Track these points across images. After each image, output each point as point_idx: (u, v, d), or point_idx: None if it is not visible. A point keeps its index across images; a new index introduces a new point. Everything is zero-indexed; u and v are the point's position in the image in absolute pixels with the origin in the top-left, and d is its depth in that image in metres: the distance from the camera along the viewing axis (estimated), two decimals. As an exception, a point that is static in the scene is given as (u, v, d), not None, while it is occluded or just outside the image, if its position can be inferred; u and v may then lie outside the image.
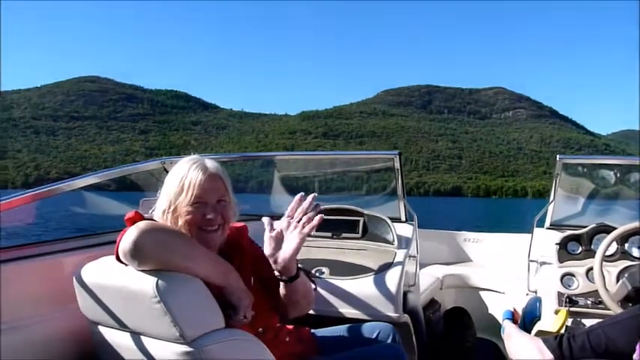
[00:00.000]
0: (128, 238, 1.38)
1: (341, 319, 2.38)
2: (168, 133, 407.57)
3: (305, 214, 1.78)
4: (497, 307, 3.32)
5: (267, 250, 1.71)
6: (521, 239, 3.46)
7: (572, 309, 2.37)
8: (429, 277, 3.33)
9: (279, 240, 1.73)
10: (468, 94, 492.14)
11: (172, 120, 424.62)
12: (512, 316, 2.60)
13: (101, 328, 1.62)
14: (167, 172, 2.67)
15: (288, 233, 1.75)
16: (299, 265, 1.76)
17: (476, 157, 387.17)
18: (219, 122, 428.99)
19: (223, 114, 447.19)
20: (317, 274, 2.57)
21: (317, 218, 1.74)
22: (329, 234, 2.92)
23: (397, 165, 2.85)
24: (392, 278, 2.47)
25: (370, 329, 2.04)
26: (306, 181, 3.93)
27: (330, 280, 2.53)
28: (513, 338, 1.96)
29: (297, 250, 1.71)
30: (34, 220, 2.09)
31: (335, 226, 2.93)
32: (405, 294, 2.48)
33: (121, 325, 1.54)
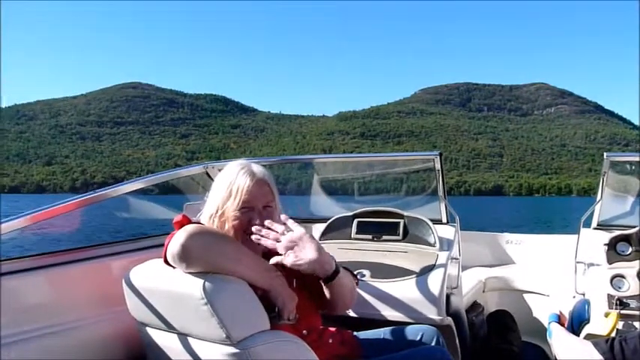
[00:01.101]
0: (176, 241, 1.41)
1: (383, 322, 2.35)
2: (207, 137, 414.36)
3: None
4: (542, 310, 3.27)
5: (288, 260, 1.61)
6: (565, 240, 3.41)
7: (622, 312, 2.30)
8: (471, 280, 3.28)
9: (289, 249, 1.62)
10: (508, 91, 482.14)
11: (212, 124, 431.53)
12: (559, 320, 2.51)
13: (149, 330, 1.66)
14: (209, 176, 2.81)
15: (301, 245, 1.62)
16: (336, 262, 1.74)
17: (517, 155, 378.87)
18: (257, 125, 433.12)
19: (261, 116, 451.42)
20: (358, 277, 2.46)
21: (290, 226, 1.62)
22: (369, 236, 2.91)
23: (438, 165, 2.83)
24: (434, 280, 2.44)
25: (414, 332, 2.02)
26: (344, 183, 3.92)
27: (372, 283, 2.51)
28: (563, 341, 1.90)
29: (317, 249, 1.63)
30: (81, 225, 2.17)
31: (375, 228, 2.92)
32: (447, 296, 2.45)
33: (169, 327, 1.57)
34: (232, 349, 1.38)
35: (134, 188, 2.35)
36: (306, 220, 3.48)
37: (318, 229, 3.18)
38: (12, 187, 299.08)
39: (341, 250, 2.83)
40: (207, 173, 2.87)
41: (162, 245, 1.54)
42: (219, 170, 2.72)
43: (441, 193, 2.90)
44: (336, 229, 3.04)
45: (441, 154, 2.80)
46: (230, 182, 1.63)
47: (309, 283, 1.79)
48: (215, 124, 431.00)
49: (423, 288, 2.42)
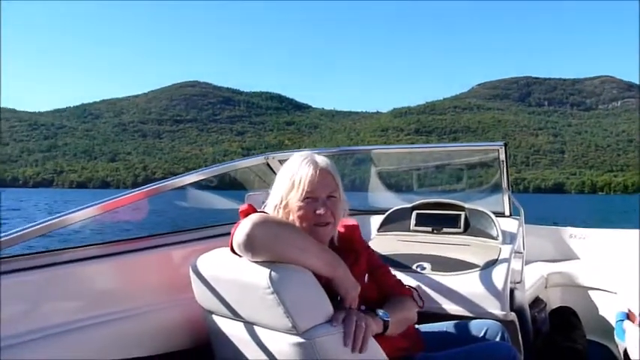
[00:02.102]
0: (242, 230, 1.42)
1: (444, 316, 2.32)
2: (263, 134, 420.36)
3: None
4: (609, 307, 3.17)
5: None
6: (632, 235, 3.31)
7: None
8: (533, 275, 3.20)
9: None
10: (570, 85, 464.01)
11: (267, 121, 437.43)
12: (628, 318, 2.41)
13: (215, 317, 1.69)
14: (270, 167, 2.84)
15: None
16: (383, 317, 1.65)
17: (580, 151, 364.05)
18: (311, 121, 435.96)
19: (315, 113, 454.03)
20: (418, 269, 2.52)
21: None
22: (429, 229, 2.86)
23: (502, 156, 2.75)
24: (498, 275, 2.39)
25: (478, 327, 1.99)
26: (402, 174, 3.87)
27: (432, 276, 2.47)
28: (637, 340, 1.80)
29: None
30: (147, 215, 2.22)
31: (435, 220, 2.86)
32: (511, 291, 2.40)
33: (235, 315, 1.59)
34: (298, 339, 1.38)
35: (197, 179, 2.37)
36: (364, 212, 3.41)
37: (376, 220, 3.12)
38: (79, 182, 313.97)
39: (400, 243, 2.79)
40: (268, 164, 2.88)
41: (228, 234, 1.55)
42: (280, 161, 2.81)
43: (505, 184, 2.83)
44: (395, 220, 2.99)
45: (506, 145, 2.72)
46: (293, 173, 1.63)
47: (379, 279, 1.83)
48: (270, 122, 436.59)
49: (486, 282, 2.37)
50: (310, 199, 1.60)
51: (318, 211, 1.59)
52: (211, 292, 1.63)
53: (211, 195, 2.81)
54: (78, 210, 1.76)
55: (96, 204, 1.82)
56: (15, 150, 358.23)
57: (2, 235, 1.54)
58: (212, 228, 2.40)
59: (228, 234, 1.53)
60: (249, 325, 1.55)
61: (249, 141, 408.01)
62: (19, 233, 1.58)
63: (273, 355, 1.48)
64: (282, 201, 1.63)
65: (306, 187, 1.59)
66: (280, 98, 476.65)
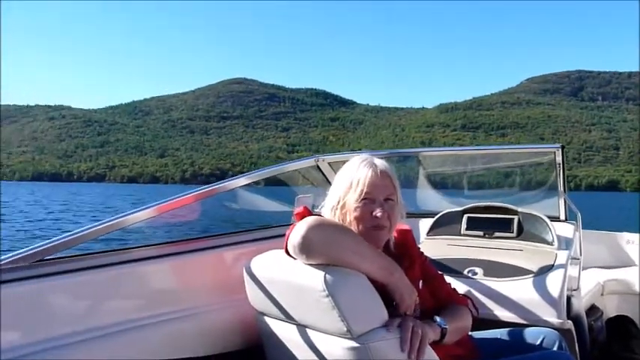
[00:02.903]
0: (297, 232, 1.42)
1: (496, 323, 2.26)
2: (307, 130, 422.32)
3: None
4: None
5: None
6: None
7: None
8: (588, 282, 3.11)
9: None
10: (626, 78, 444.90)
11: (312, 117, 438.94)
12: None
13: (268, 319, 1.69)
14: (320, 169, 2.85)
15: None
16: (440, 323, 1.62)
17: (636, 148, 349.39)
18: (356, 118, 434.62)
19: (360, 109, 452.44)
20: (470, 275, 2.47)
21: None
22: (480, 233, 2.80)
23: (559, 159, 2.69)
24: (554, 281, 2.31)
25: (534, 335, 1.93)
26: (452, 177, 3.81)
27: (484, 282, 2.42)
28: None
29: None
30: (200, 217, 2.25)
31: (487, 224, 2.81)
32: (568, 299, 2.31)
33: (288, 317, 1.58)
34: (352, 344, 1.37)
35: (247, 182, 2.38)
36: (413, 215, 3.33)
37: (425, 224, 3.08)
38: (130, 177, 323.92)
39: (450, 247, 2.75)
40: (318, 166, 2.85)
41: (282, 236, 1.55)
42: (329, 164, 2.82)
43: (561, 188, 2.77)
44: (445, 224, 2.95)
45: (563, 147, 2.65)
46: (351, 174, 1.62)
47: (434, 286, 1.81)
48: (315, 118, 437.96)
49: (542, 289, 2.30)
50: (368, 200, 1.59)
51: (375, 213, 1.58)
52: (264, 293, 1.63)
53: (260, 197, 2.79)
54: (136, 211, 1.81)
55: (152, 206, 1.87)
56: (70, 146, 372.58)
57: (66, 235, 1.60)
58: (265, 230, 2.42)
59: (282, 236, 1.54)
60: (302, 328, 1.55)
61: (294, 137, 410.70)
62: (81, 233, 1.63)
63: (325, 359, 1.47)
64: (339, 202, 1.62)
65: (364, 189, 1.58)
66: (325, 94, 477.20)
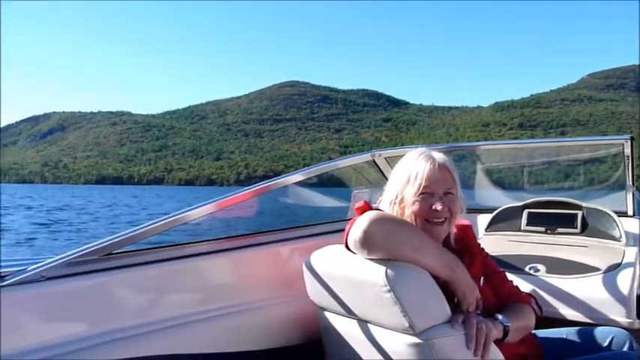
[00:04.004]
0: (358, 227, 1.41)
1: (560, 321, 2.20)
2: (360, 131, 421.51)
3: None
4: None
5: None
6: None
7: None
8: None
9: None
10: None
11: (364, 118, 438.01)
12: None
13: (328, 314, 1.69)
14: (376, 164, 2.83)
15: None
16: (503, 321, 1.56)
17: None
18: (409, 118, 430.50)
19: (413, 109, 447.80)
20: (531, 272, 2.40)
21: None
22: (542, 229, 2.73)
23: (628, 151, 2.57)
24: (623, 279, 2.21)
25: (602, 334, 1.85)
26: (512, 172, 3.70)
27: (547, 279, 2.34)
28: None
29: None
30: (256, 212, 2.28)
31: (549, 220, 2.74)
32: (638, 297, 2.21)
33: (348, 312, 1.57)
34: (414, 339, 1.35)
35: (303, 178, 2.39)
36: (470, 210, 3.25)
37: (483, 219, 3.03)
38: (187, 180, 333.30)
39: (510, 243, 2.70)
40: (374, 161, 2.82)
41: (340, 230, 1.55)
42: (386, 159, 2.79)
43: (629, 182, 2.67)
44: (504, 220, 2.89)
45: (632, 138, 2.51)
46: (409, 168, 1.60)
47: (495, 284, 1.76)
48: (367, 119, 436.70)
49: (610, 287, 2.21)
50: (426, 194, 1.56)
51: (434, 207, 1.55)
52: (324, 288, 1.63)
53: (316, 193, 2.79)
54: (197, 207, 1.83)
55: (211, 202, 1.89)
56: (131, 150, 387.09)
57: (132, 230, 1.65)
58: (325, 224, 2.42)
59: (338, 231, 1.57)
60: (363, 323, 1.54)
61: (347, 138, 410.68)
62: (146, 228, 1.67)
63: (387, 354, 1.45)
64: (397, 196, 1.60)
65: (422, 182, 1.55)
66: (377, 95, 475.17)
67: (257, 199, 2.14)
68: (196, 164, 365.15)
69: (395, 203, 1.61)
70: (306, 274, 1.71)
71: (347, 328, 1.60)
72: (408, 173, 1.59)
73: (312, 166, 2.47)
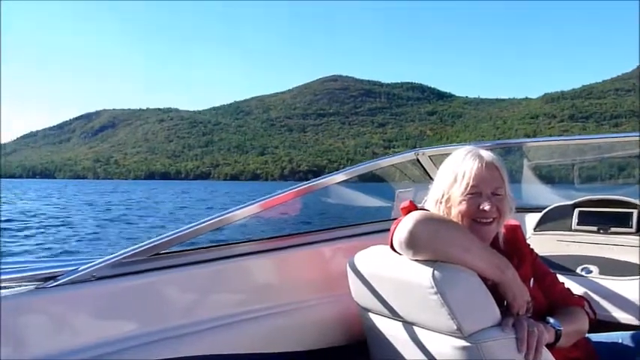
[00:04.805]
0: (404, 227, 1.39)
1: (616, 325, 2.12)
2: (404, 125, 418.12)
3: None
4: None
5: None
6: None
7: None
8: None
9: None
10: None
11: (408, 112, 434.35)
12: None
13: (372, 315, 1.67)
14: (420, 163, 2.80)
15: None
16: (556, 327, 1.51)
17: None
18: (454, 111, 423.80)
19: (458, 102, 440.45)
20: (583, 273, 2.35)
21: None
22: (594, 228, 2.64)
23: None
24: None
25: None
26: (562, 169, 3.59)
27: (600, 281, 2.28)
28: None
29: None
30: (300, 213, 2.29)
31: (602, 219, 2.64)
32: None
33: (393, 314, 1.55)
34: (462, 343, 1.33)
35: (346, 178, 2.36)
36: (518, 209, 3.12)
37: (532, 219, 2.98)
38: (232, 175, 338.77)
39: (560, 243, 2.65)
40: (418, 160, 2.82)
41: (384, 230, 1.55)
42: (430, 157, 2.78)
43: None
44: (554, 219, 2.83)
45: None
46: (457, 166, 1.56)
47: (546, 286, 1.71)
48: (411, 112, 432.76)
49: None
50: (474, 194, 1.52)
51: (482, 207, 1.51)
52: (369, 289, 1.61)
53: (358, 193, 2.80)
54: (242, 207, 1.86)
55: (256, 202, 1.90)
56: (178, 146, 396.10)
57: (179, 230, 1.68)
58: (366, 225, 2.40)
59: (382, 231, 1.56)
60: (408, 325, 1.52)
61: (390, 132, 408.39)
62: (193, 228, 1.69)
63: (433, 357, 1.43)
64: (444, 195, 1.56)
65: (470, 181, 1.51)
66: (422, 88, 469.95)
67: (300, 199, 2.15)
68: (241, 159, 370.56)
69: (441, 203, 1.57)
70: (350, 274, 1.69)
71: (392, 330, 1.58)
72: (455, 172, 1.55)
73: (354, 166, 2.45)
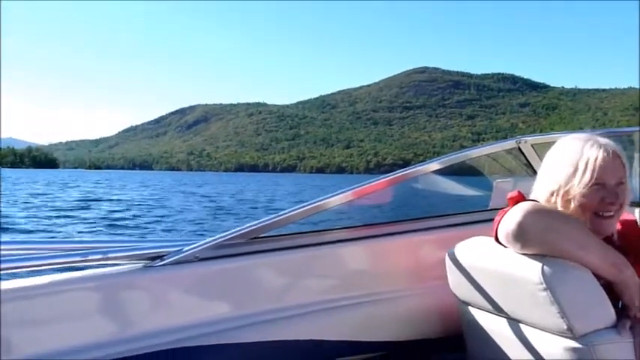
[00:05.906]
0: (512, 219, 1.33)
1: None
2: (494, 117, 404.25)
3: None
4: None
5: None
6: None
7: None
8: None
9: None
10: None
11: (499, 104, 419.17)
12: None
13: (471, 309, 1.62)
14: (521, 151, 2.64)
15: None
16: None
17: None
18: (549, 102, 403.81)
19: (554, 93, 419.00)
20: None
21: None
22: None
23: None
24: None
25: None
26: None
27: None
28: None
29: None
30: (392, 201, 2.25)
31: None
32: None
33: (495, 309, 1.50)
34: (573, 344, 1.26)
35: (441, 167, 2.26)
36: (634, 204, 2.92)
37: None
38: (318, 167, 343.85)
39: None
40: (520, 148, 2.67)
41: (482, 221, 1.55)
42: (532, 146, 2.62)
43: None
44: None
45: None
46: (575, 155, 1.43)
47: None
48: (502, 104, 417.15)
49: None
50: (598, 185, 1.40)
51: (607, 200, 1.40)
52: (469, 282, 1.55)
53: (453, 182, 2.77)
54: (335, 195, 1.83)
55: (349, 190, 1.87)
56: (266, 139, 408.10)
57: (277, 215, 1.71)
58: (463, 215, 2.31)
59: (481, 221, 1.54)
60: (512, 322, 1.46)
61: (480, 125, 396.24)
62: (290, 214, 1.71)
63: (540, 356, 1.37)
64: (560, 188, 1.44)
65: (595, 173, 1.39)
66: (514, 79, 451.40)
67: (392, 188, 2.11)
68: (327, 152, 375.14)
69: (557, 195, 1.45)
70: (449, 265, 1.64)
71: (492, 325, 1.53)
72: (574, 162, 1.43)
73: (450, 154, 2.33)
